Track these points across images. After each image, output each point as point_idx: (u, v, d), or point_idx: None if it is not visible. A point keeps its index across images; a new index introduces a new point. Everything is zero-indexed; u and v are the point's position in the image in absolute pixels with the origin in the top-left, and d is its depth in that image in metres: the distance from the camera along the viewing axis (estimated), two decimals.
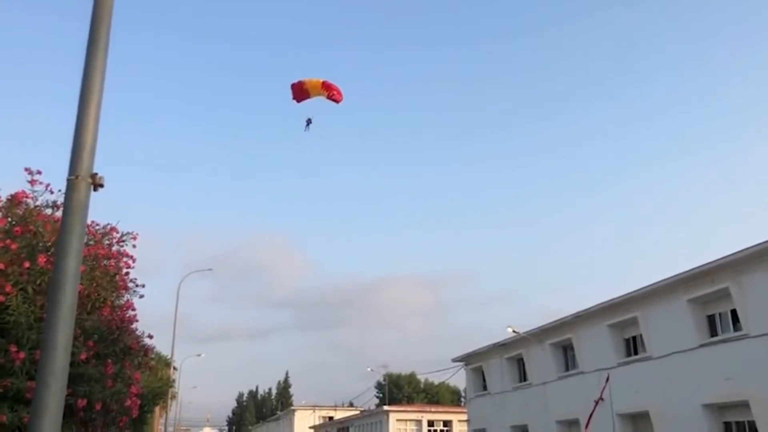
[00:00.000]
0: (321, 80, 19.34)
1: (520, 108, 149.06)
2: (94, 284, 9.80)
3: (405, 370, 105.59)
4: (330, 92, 19.06)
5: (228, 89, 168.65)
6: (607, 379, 26.76)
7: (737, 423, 22.77)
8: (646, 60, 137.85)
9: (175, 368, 39.06)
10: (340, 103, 19.72)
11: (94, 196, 5.13)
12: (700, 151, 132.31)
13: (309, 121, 20.04)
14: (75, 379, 8.35)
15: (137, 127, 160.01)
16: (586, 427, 19.48)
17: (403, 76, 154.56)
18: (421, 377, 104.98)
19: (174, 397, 45.30)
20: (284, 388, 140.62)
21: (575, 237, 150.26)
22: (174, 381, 38.45)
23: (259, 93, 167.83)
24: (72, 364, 6.52)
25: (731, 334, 22.86)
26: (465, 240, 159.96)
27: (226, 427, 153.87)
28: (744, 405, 21.76)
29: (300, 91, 19.49)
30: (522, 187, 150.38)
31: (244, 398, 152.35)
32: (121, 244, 10.96)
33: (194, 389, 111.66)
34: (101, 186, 5.13)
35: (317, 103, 19.67)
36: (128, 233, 11.00)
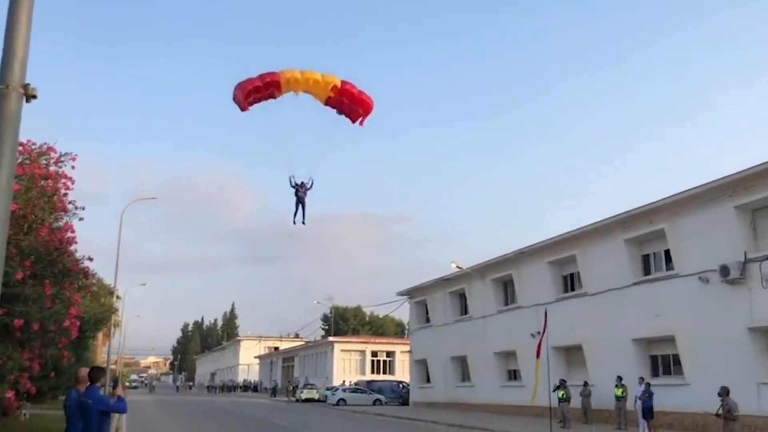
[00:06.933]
0: (334, 79, 12.14)
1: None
2: (30, 204, 9.57)
3: (351, 304, 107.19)
4: (364, 115, 12.47)
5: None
6: (545, 314, 27.74)
7: (662, 356, 24.07)
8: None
9: (118, 296, 38.71)
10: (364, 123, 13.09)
11: (29, 109, 4.93)
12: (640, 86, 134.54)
13: (300, 207, 13.10)
14: (11, 299, 8.23)
15: (79, 48, 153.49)
16: (538, 356, 20.82)
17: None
18: (367, 310, 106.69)
19: (117, 325, 45.08)
20: (230, 319, 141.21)
21: (519, 177, 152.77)
22: (117, 309, 38.17)
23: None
24: (7, 284, 6.42)
25: (663, 273, 23.88)
26: (411, 179, 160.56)
27: (171, 356, 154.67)
28: (670, 340, 22.98)
29: (263, 91, 12.36)
30: (464, 128, 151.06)
31: (189, 329, 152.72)
32: (60, 164, 10.67)
33: (138, 318, 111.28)
34: (34, 97, 4.87)
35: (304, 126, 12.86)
36: (67, 154, 10.72)
